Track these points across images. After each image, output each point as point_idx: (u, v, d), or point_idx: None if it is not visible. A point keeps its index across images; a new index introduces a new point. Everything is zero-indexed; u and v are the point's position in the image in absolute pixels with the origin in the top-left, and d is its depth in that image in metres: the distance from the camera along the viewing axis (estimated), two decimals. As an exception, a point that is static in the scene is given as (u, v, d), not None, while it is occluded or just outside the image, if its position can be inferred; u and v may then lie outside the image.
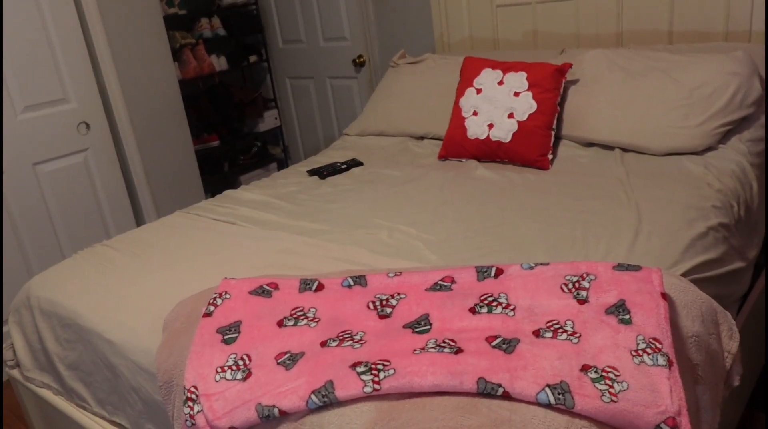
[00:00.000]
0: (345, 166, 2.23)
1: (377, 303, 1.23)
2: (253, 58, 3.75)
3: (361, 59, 3.30)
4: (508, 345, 1.04)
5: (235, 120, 3.80)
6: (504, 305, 1.16)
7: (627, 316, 1.07)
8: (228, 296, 1.31)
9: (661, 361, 0.99)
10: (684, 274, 1.29)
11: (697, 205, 1.53)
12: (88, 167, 2.80)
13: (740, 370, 1.20)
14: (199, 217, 1.95)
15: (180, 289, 1.48)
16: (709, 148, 1.78)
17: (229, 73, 3.80)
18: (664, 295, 1.09)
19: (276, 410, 1.02)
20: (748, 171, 1.71)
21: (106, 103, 2.86)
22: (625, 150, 1.92)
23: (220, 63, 3.60)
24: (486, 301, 1.18)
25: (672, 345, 1.02)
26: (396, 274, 1.31)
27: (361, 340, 1.13)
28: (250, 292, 1.32)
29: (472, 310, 1.16)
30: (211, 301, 1.30)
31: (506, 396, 0.95)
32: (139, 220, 3.04)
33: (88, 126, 2.77)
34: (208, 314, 1.27)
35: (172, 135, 3.13)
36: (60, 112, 2.68)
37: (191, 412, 1.09)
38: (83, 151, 2.78)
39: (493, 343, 1.05)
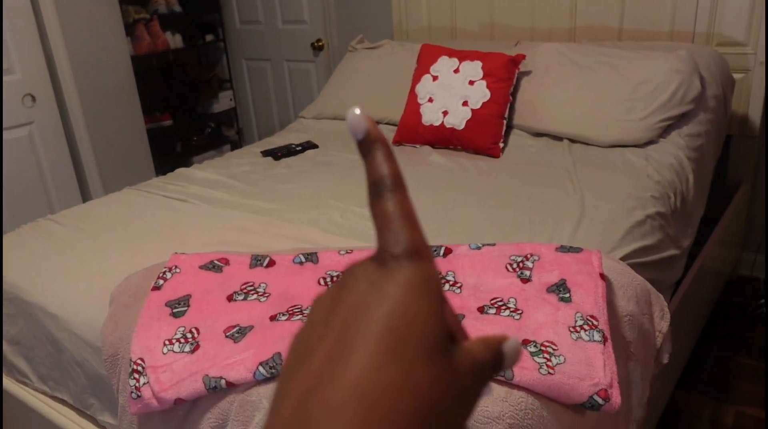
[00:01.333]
0: (300, 148, 2.23)
1: (328, 279, 1.25)
2: (209, 38, 3.69)
3: (320, 43, 3.29)
4: (453, 320, 1.08)
5: (188, 99, 3.73)
6: (451, 283, 1.19)
7: (567, 295, 1.12)
8: (178, 270, 1.30)
9: (597, 337, 1.04)
10: (622, 259, 1.36)
11: (637, 194, 1.60)
12: (33, 141, 2.71)
13: (669, 349, 1.27)
14: (150, 194, 1.92)
15: (128, 265, 1.46)
16: (651, 142, 1.86)
17: (184, 52, 3.73)
18: (603, 276, 1.15)
19: (223, 381, 1.03)
20: (685, 164, 1.80)
21: (54, 76, 2.77)
22: (573, 141, 1.98)
23: (174, 40, 3.53)
24: (434, 280, 1.21)
25: (607, 322, 1.08)
26: (347, 252, 1.33)
27: (310, 314, 1.15)
28: (201, 267, 1.31)
29: (420, 288, 1.19)
30: (161, 274, 1.30)
31: (450, 368, 0.99)
32: (86, 198, 2.96)
33: (33, 98, 2.68)
34: (156, 288, 1.26)
35: (123, 111, 3.05)
36: (4, 83, 2.58)
37: (137, 384, 1.09)
38: (28, 124, 2.68)
39: (439, 319, 1.09)
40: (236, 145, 4.02)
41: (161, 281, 1.27)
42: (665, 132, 1.88)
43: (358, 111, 0.29)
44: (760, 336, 2.09)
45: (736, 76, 2.13)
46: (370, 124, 0.29)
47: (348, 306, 0.25)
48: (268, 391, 1.01)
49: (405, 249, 0.26)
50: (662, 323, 1.25)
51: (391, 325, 0.23)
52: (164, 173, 2.16)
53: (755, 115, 2.19)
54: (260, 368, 1.02)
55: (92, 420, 1.39)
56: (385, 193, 0.28)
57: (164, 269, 1.31)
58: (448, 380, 0.24)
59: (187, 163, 3.70)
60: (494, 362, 0.27)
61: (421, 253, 0.26)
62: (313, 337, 0.25)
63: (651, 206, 1.57)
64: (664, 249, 1.52)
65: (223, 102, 3.83)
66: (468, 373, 0.25)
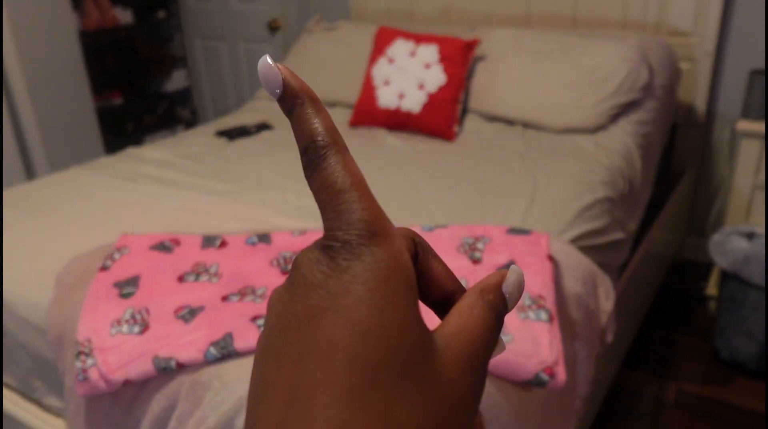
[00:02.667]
0: (254, 128, 2.20)
1: (281, 260, 1.24)
2: (161, 14, 3.58)
3: (276, 23, 3.23)
4: (405, 301, 1.09)
5: (140, 78, 3.63)
6: (403, 264, 1.20)
7: (516, 276, 1.15)
8: (127, 251, 1.28)
9: (544, 316, 1.07)
10: (571, 241, 1.39)
11: (587, 179, 1.64)
12: (-26, 118, 2.60)
13: (614, 328, 1.31)
14: (98, 173, 1.87)
15: (74, 246, 1.42)
16: (601, 128, 1.91)
17: (135, 28, 3.61)
18: (550, 258, 1.18)
19: (173, 362, 1.02)
20: (633, 151, 1.85)
21: (-4, 50, 2.65)
22: (526, 126, 2.02)
23: (125, 16, 3.41)
24: (387, 261, 1.22)
25: (554, 302, 1.11)
26: (301, 233, 1.32)
27: (263, 295, 1.14)
28: (151, 248, 1.29)
29: (373, 269, 1.19)
30: (109, 255, 1.27)
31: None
32: (31, 177, 2.86)
33: (-27, 73, 2.56)
34: (104, 268, 1.23)
35: (70, 88, 2.95)
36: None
37: (83, 366, 1.07)
38: (-32, 99, 2.57)
39: (391, 299, 1.10)
40: (191, 125, 3.93)
41: (109, 262, 1.25)
42: (614, 119, 1.92)
43: (270, 60, 0.24)
44: (701, 316, 2.18)
45: (683, 66, 2.20)
46: (287, 74, 0.24)
47: (300, 321, 0.21)
48: (218, 371, 1.01)
49: (358, 232, 0.21)
50: (607, 303, 1.29)
51: (355, 353, 0.20)
52: (114, 153, 2.10)
53: (700, 105, 2.26)
54: (211, 348, 1.01)
55: (37, 403, 1.36)
56: (322, 158, 0.23)
57: (112, 250, 1.28)
58: (437, 401, 0.20)
59: (139, 143, 3.61)
60: (497, 321, 0.23)
61: (378, 231, 0.22)
62: (269, 364, 0.21)
63: (600, 191, 1.61)
64: (611, 232, 1.56)
65: (177, 81, 3.73)
66: (463, 369, 0.22)
